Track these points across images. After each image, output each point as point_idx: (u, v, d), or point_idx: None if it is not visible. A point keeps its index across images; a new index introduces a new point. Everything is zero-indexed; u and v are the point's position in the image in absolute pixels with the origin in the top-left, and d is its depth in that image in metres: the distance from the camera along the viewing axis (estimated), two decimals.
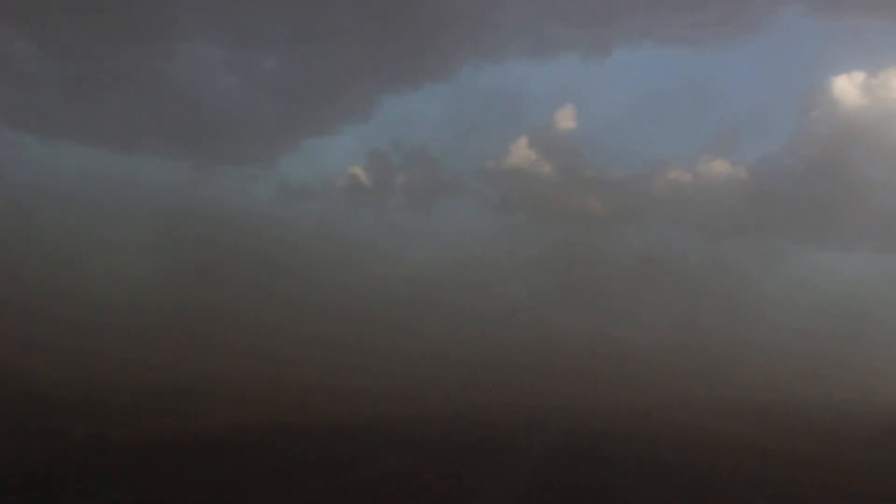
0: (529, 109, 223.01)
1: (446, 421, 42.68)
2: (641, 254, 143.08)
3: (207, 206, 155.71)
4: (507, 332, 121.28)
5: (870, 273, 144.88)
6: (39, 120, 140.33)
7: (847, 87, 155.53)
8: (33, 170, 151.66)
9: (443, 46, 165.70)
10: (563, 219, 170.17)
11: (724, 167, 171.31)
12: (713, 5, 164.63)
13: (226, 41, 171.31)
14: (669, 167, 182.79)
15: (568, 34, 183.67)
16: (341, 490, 16.28)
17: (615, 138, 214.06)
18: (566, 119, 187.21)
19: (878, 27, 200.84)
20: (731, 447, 33.85)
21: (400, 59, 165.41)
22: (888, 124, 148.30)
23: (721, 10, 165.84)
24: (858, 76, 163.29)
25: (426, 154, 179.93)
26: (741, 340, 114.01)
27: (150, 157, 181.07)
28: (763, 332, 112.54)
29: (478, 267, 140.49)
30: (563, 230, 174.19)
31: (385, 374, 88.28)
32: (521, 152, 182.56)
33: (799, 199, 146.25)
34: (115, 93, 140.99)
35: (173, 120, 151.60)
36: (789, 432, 41.54)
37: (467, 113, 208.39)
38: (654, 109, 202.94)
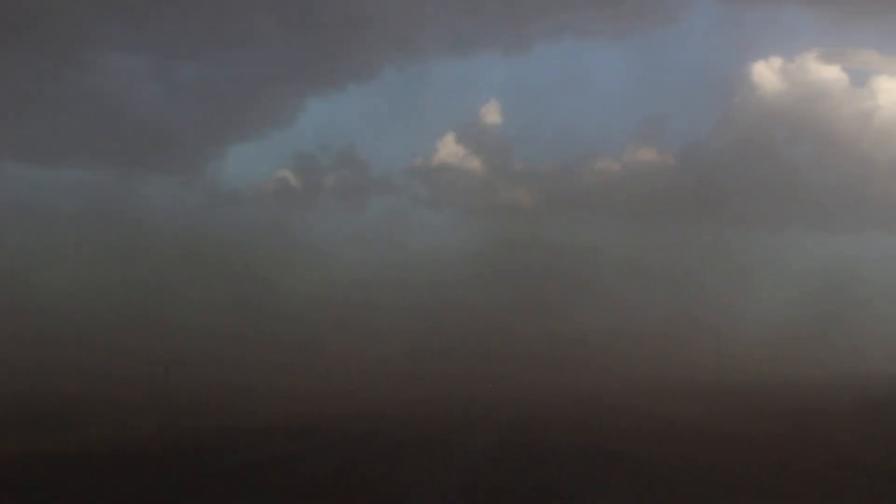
0: (454, 106, 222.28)
1: (389, 417, 41.58)
2: (576, 244, 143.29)
3: (139, 216, 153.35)
4: (452, 327, 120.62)
5: (804, 250, 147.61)
6: None
7: (766, 73, 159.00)
8: None
9: (363, 47, 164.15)
10: (494, 212, 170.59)
11: (651, 155, 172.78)
12: None
13: (144, 50, 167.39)
14: (597, 157, 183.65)
15: (487, 31, 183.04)
16: (290, 486, 16.51)
17: (541, 131, 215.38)
18: (492, 114, 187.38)
19: (791, 13, 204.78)
20: (679, 431, 32.88)
21: (321, 62, 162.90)
22: (807, 106, 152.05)
23: (638, 1, 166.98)
24: (776, 61, 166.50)
25: (354, 155, 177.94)
26: (689, 323, 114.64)
27: (76, 171, 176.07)
28: (710, 314, 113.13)
29: (414, 264, 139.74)
30: (495, 224, 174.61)
31: (326, 373, 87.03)
32: (449, 148, 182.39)
33: (726, 183, 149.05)
34: (34, 107, 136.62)
35: (97, 132, 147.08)
36: (742, 413, 40.93)
37: (392, 112, 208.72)
38: (578, 101, 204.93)
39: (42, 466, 19.53)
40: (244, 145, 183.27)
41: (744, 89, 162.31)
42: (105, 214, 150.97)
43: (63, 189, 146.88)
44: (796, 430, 30.87)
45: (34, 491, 15.58)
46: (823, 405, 40.31)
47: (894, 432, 28.81)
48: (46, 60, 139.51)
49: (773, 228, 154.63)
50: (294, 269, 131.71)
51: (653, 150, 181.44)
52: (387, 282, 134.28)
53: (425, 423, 36.89)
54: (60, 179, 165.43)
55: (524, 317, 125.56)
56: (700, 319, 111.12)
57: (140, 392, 46.14)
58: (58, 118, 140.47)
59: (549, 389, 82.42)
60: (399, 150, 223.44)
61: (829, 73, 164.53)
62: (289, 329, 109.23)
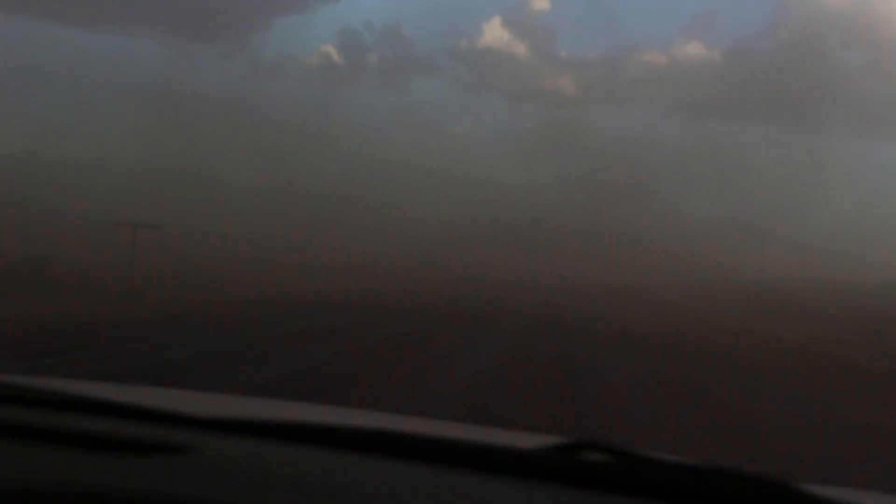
0: None
1: (427, 295, 43.17)
2: (621, 136, 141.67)
3: (181, 85, 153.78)
4: (495, 211, 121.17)
5: (850, 155, 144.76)
6: None
7: None
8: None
9: None
10: (538, 99, 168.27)
11: (700, 50, 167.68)
12: None
13: None
14: (644, 49, 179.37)
15: None
16: (342, 354, 16.76)
17: (589, 20, 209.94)
18: None
19: None
20: (698, 325, 33.84)
21: None
22: (862, 9, 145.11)
23: None
24: None
25: (399, 33, 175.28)
26: (734, 225, 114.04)
27: (119, 35, 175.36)
28: (754, 216, 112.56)
29: (456, 148, 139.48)
30: (539, 110, 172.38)
31: (366, 252, 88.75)
32: (495, 32, 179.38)
33: (774, 84, 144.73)
34: None
35: None
36: (769, 314, 41.50)
37: None
38: None
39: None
40: (289, 17, 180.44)
41: None
42: (146, 84, 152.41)
43: (106, 55, 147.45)
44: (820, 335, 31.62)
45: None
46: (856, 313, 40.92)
47: None
48: None
49: (819, 132, 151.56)
50: (334, 150, 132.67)
51: (701, 46, 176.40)
52: (429, 168, 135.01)
53: (463, 303, 38.22)
54: (104, 45, 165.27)
55: (567, 210, 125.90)
56: (744, 222, 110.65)
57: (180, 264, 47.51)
58: None
59: (584, 282, 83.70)
60: (444, 32, 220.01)
61: None
62: (327, 209, 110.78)
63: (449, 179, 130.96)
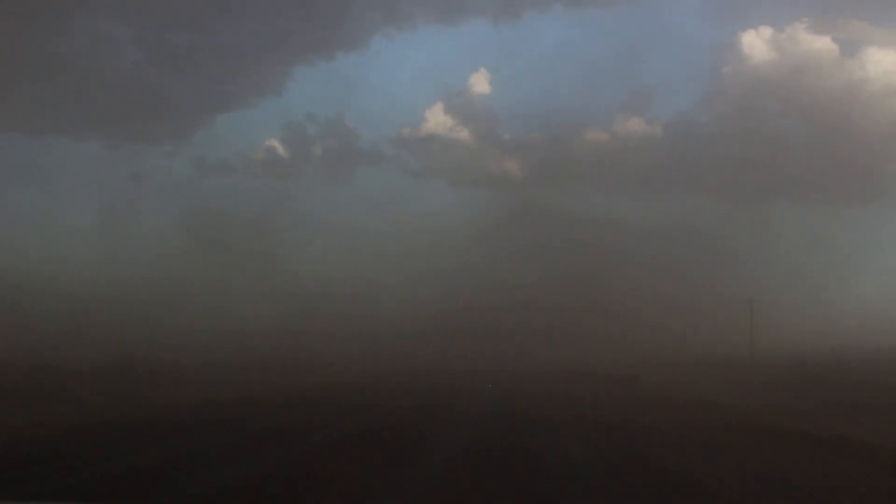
0: (443, 75, 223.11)
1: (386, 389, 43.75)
2: (572, 213, 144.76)
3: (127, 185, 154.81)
4: (454, 299, 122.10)
5: (789, 223, 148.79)
6: None
7: (756, 43, 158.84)
8: None
9: (352, 16, 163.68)
10: (484, 183, 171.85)
11: (641, 126, 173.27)
12: None
13: (130, 17, 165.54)
14: (586, 127, 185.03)
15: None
16: (310, 449, 17.68)
17: (530, 101, 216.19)
18: (480, 83, 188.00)
19: None
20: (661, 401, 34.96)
21: (310, 31, 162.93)
22: (797, 77, 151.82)
23: None
24: (766, 31, 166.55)
25: (342, 124, 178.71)
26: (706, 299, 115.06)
27: (61, 139, 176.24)
28: (688, 290, 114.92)
29: (403, 235, 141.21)
30: (485, 194, 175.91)
31: (323, 346, 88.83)
32: (438, 118, 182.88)
33: (715, 155, 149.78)
34: (17, 74, 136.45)
35: (83, 100, 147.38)
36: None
37: (381, 81, 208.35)
38: (567, 71, 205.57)
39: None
40: (232, 114, 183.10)
41: (734, 60, 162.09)
42: (94, 184, 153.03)
43: (52, 158, 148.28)
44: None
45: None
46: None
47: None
48: (33, 27, 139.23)
49: (761, 201, 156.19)
50: (290, 242, 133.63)
51: (642, 121, 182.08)
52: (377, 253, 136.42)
53: (430, 395, 38.99)
54: (48, 148, 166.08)
55: (522, 290, 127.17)
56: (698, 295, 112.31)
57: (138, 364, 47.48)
58: (44, 87, 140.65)
59: (540, 362, 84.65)
60: (387, 120, 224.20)
61: (819, 44, 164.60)
62: (291, 304, 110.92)
63: (404, 268, 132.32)
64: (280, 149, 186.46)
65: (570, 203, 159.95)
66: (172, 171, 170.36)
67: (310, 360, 68.54)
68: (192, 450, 17.41)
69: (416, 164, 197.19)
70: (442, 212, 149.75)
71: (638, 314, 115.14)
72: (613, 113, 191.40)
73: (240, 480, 13.61)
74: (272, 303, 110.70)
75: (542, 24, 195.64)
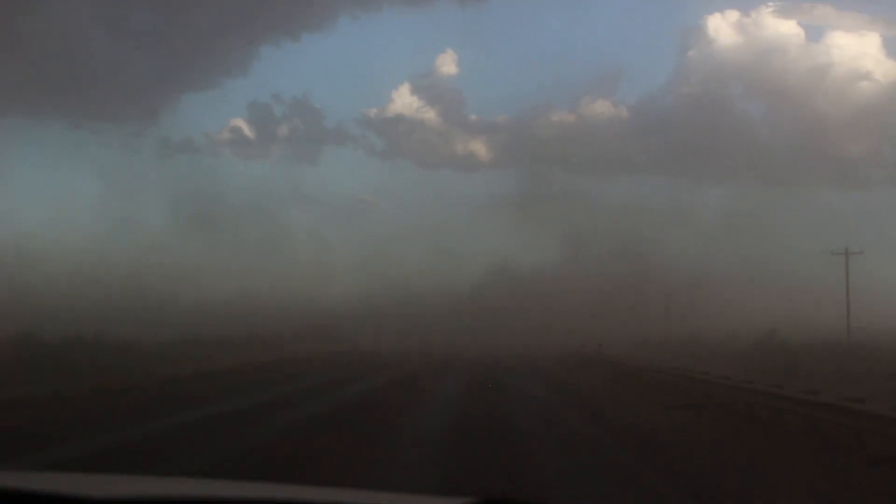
0: (410, 56, 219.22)
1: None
2: (537, 195, 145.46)
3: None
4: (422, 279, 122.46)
5: (752, 203, 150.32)
6: None
7: (721, 26, 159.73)
8: None
9: None
10: (451, 164, 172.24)
11: (607, 107, 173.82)
12: None
13: None
14: (552, 109, 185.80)
15: None
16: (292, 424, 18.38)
17: (497, 82, 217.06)
18: (447, 64, 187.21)
19: None
20: None
21: (276, 10, 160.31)
22: (762, 61, 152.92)
23: None
24: (732, 15, 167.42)
25: (308, 104, 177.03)
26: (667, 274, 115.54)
27: (24, 120, 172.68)
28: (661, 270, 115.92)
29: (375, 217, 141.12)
30: (451, 175, 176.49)
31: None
32: (404, 99, 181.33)
33: (680, 138, 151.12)
34: None
35: (45, 79, 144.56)
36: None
37: (347, 62, 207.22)
38: (534, 52, 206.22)
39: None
40: (197, 94, 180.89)
41: (699, 43, 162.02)
42: (59, 165, 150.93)
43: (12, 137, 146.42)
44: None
45: None
46: None
47: None
48: None
49: (725, 182, 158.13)
50: (257, 223, 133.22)
51: (608, 103, 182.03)
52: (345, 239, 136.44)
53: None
54: (6, 128, 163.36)
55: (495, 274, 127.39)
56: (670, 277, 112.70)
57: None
58: (2, 65, 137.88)
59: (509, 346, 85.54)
60: (354, 101, 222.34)
61: (785, 28, 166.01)
62: (257, 285, 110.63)
63: (371, 250, 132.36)
64: (246, 129, 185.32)
65: (534, 185, 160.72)
66: (137, 151, 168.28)
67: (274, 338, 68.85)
68: None
69: (382, 145, 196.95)
70: (408, 192, 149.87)
71: (604, 296, 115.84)
72: (580, 95, 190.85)
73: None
74: (236, 282, 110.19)
75: (508, 6, 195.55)
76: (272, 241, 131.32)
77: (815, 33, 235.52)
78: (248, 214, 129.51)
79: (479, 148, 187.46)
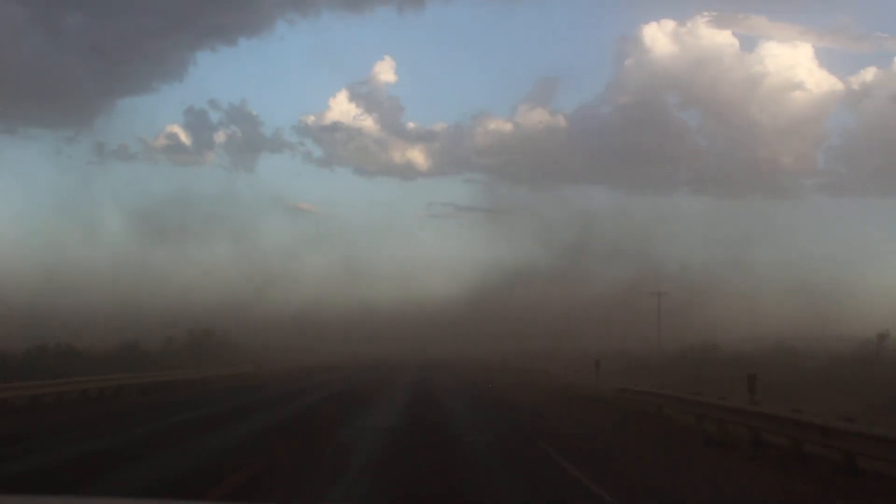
0: (347, 63, 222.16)
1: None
2: (473, 206, 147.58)
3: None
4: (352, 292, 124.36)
5: (689, 211, 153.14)
6: None
7: (658, 36, 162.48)
8: None
9: (256, 0, 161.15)
10: (388, 172, 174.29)
11: (543, 116, 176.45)
12: None
13: None
14: (490, 118, 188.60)
15: None
16: (265, 427, 20.96)
17: (435, 90, 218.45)
18: (385, 72, 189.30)
19: None
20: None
21: (212, 15, 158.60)
22: (699, 71, 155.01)
23: None
24: (668, 24, 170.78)
25: (245, 111, 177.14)
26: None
27: None
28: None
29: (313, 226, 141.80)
30: (389, 183, 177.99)
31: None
32: (342, 106, 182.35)
33: (616, 146, 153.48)
34: None
35: None
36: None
37: (284, 68, 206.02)
38: (472, 60, 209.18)
39: None
40: (132, 99, 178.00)
41: (636, 52, 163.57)
42: None
43: None
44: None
45: None
46: None
47: None
48: None
49: (662, 192, 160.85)
50: (195, 229, 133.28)
51: (545, 112, 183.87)
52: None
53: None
54: None
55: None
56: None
57: None
58: None
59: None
60: (291, 107, 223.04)
61: (720, 38, 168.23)
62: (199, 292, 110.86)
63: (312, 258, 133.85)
64: (182, 135, 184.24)
65: (470, 195, 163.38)
66: (72, 156, 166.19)
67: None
68: None
69: (319, 153, 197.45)
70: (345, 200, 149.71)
71: (542, 308, 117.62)
72: (517, 103, 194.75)
73: None
74: (177, 290, 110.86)
75: (446, 13, 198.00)
76: (202, 249, 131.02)
77: (749, 43, 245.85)
78: (177, 222, 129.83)
79: (417, 156, 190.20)
